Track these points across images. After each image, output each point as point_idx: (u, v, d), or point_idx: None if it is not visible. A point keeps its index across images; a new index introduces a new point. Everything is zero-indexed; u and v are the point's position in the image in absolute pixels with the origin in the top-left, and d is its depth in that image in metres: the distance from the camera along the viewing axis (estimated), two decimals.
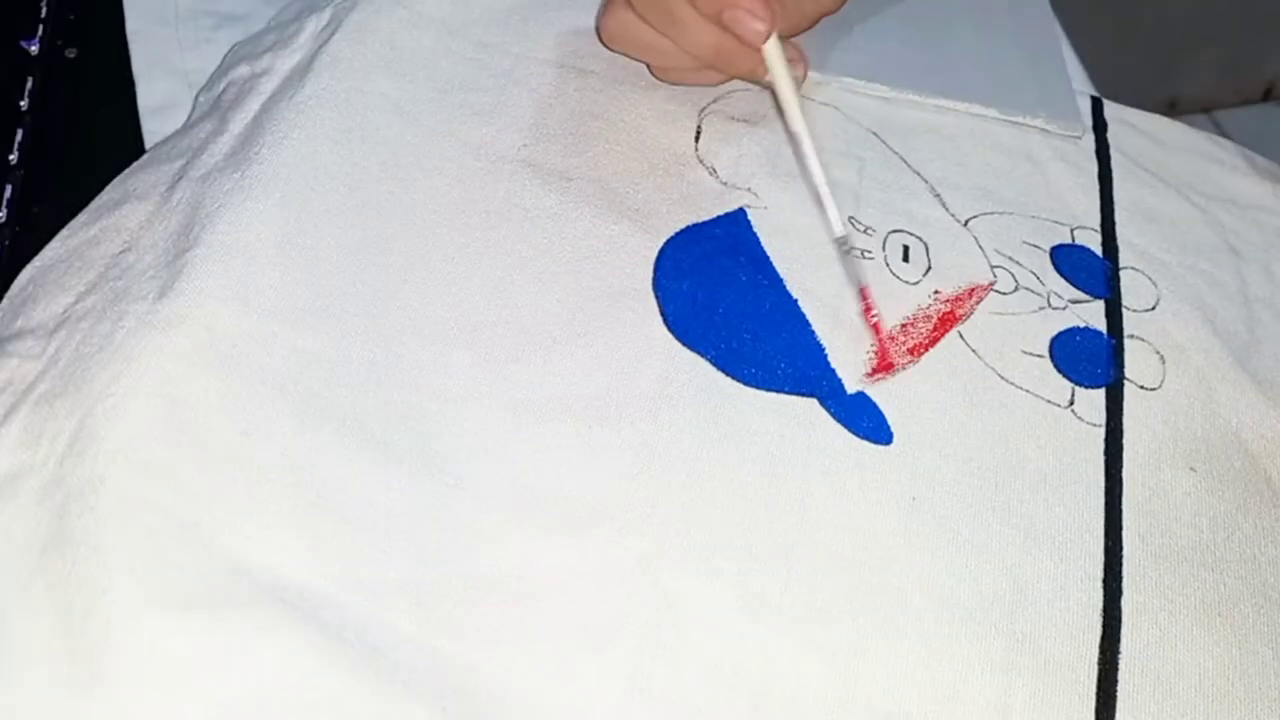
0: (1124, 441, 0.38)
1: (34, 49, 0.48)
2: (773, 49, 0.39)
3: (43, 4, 0.49)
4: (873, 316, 0.38)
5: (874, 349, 0.38)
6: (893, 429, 0.36)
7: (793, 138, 0.40)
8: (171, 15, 0.49)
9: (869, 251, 0.40)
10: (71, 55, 0.48)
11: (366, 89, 0.40)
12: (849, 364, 0.38)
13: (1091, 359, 0.39)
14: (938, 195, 0.42)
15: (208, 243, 0.35)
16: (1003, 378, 0.38)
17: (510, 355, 0.35)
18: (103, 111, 0.48)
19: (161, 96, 0.47)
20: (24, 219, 0.42)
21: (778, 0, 0.41)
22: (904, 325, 0.39)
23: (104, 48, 0.49)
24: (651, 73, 0.43)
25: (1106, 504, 0.36)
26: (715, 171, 0.42)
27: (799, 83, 0.41)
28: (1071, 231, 0.43)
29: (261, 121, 0.39)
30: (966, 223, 0.42)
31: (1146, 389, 0.39)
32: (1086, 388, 0.39)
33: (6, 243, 0.41)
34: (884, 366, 0.37)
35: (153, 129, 0.45)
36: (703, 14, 0.38)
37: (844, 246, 0.39)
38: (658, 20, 0.39)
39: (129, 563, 0.29)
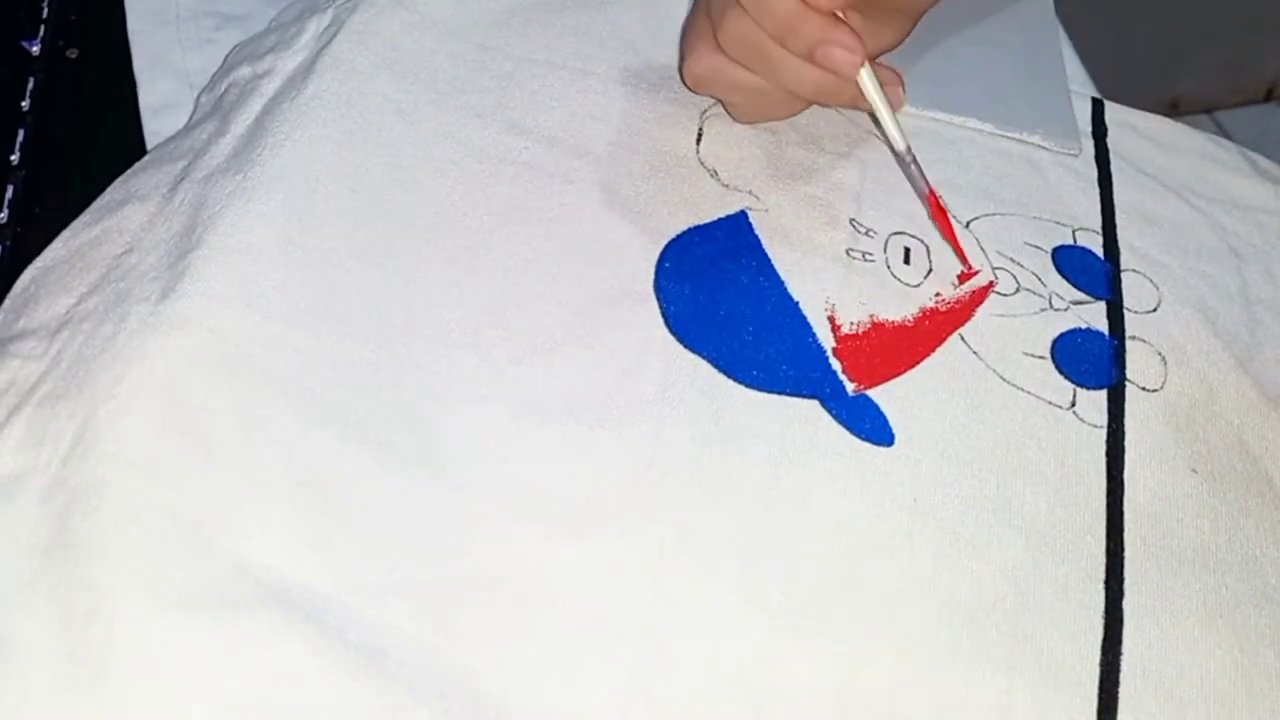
0: (1125, 443, 0.38)
1: (35, 49, 0.48)
2: (866, 77, 0.39)
3: (44, 5, 0.49)
4: (945, 218, 0.40)
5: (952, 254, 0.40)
6: (894, 430, 0.36)
7: (898, 157, 0.41)
8: (173, 16, 0.49)
9: (870, 254, 0.40)
10: (73, 56, 0.48)
11: (368, 91, 0.40)
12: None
13: (1093, 360, 0.39)
14: (939, 197, 0.43)
15: (210, 244, 0.35)
16: (1004, 379, 0.38)
17: (512, 357, 0.36)
18: (104, 112, 0.48)
19: (163, 96, 0.47)
20: (25, 219, 0.42)
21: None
22: (906, 327, 0.39)
23: (105, 48, 0.49)
24: (730, 113, 0.43)
25: (1108, 505, 0.36)
26: (716, 174, 0.42)
27: (898, 103, 0.42)
28: (1073, 233, 0.43)
29: (263, 123, 0.39)
30: (968, 224, 0.42)
31: (1148, 390, 0.39)
32: (1088, 389, 0.39)
33: (8, 243, 0.41)
34: (967, 276, 0.40)
35: (154, 129, 0.45)
36: (794, 54, 0.38)
37: (907, 158, 0.40)
38: (754, 63, 0.39)
39: (131, 564, 0.29)
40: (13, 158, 0.44)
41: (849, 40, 0.37)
